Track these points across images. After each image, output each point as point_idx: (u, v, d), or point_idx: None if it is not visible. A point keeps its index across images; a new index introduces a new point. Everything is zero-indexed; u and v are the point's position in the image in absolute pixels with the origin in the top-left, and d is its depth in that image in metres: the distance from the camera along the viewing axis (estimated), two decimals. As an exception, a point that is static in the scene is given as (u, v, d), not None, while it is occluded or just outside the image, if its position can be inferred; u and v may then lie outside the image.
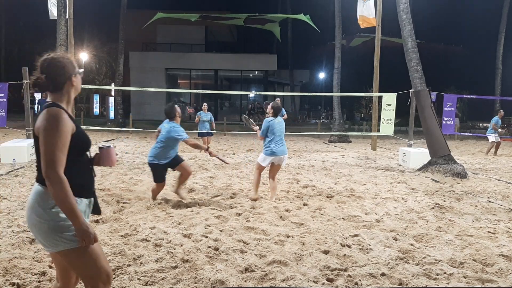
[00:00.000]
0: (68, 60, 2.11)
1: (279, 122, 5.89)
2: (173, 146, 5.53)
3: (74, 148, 2.02)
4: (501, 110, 13.55)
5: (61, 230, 1.98)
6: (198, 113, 11.77)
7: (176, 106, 5.72)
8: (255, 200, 5.80)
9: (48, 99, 2.10)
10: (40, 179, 2.01)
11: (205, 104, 11.87)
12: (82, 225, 1.94)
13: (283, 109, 11.84)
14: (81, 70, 2.20)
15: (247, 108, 31.78)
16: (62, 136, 1.94)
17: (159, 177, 5.50)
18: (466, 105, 31.17)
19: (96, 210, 2.23)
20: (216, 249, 3.78)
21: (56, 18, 11.94)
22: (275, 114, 5.88)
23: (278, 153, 5.80)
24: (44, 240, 2.01)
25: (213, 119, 11.78)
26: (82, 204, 2.07)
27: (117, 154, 2.72)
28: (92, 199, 2.17)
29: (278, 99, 11.98)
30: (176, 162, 5.58)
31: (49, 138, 1.91)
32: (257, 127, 6.17)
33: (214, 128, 11.92)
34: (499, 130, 13.02)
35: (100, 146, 2.26)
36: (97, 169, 7.38)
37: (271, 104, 6.01)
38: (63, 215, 1.97)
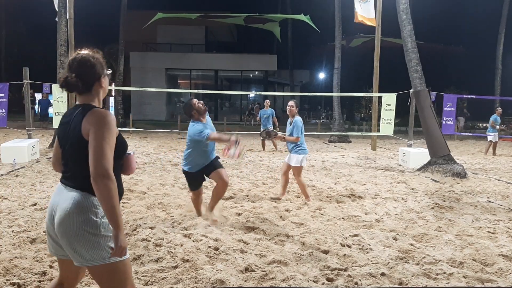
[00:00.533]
0: (98, 60, 2.04)
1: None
2: (200, 149, 4.60)
3: (116, 152, 1.96)
4: (499, 108, 13.46)
5: (105, 242, 1.89)
6: None
7: (193, 100, 4.72)
8: (309, 200, 5.80)
9: (78, 101, 2.03)
10: (81, 186, 1.91)
11: (267, 100, 12.13)
12: (122, 232, 1.85)
13: (273, 111, 11.95)
14: (109, 71, 2.15)
15: (247, 108, 31.78)
16: (113, 135, 1.90)
17: (191, 185, 4.79)
18: (460, 105, 31.16)
19: None
20: (216, 249, 3.78)
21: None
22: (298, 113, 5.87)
23: (307, 152, 5.90)
24: (81, 250, 1.88)
25: (274, 113, 12.03)
26: None
27: (136, 162, 2.68)
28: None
29: (267, 100, 12.03)
30: (210, 169, 4.66)
31: (101, 137, 1.85)
32: (281, 135, 5.94)
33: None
34: (498, 127, 12.95)
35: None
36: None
37: (293, 102, 5.88)
38: (107, 226, 1.89)
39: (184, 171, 4.76)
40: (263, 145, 12.25)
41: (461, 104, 25.15)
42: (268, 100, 12.00)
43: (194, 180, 4.75)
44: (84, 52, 2.04)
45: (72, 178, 1.95)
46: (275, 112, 12.42)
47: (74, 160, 1.95)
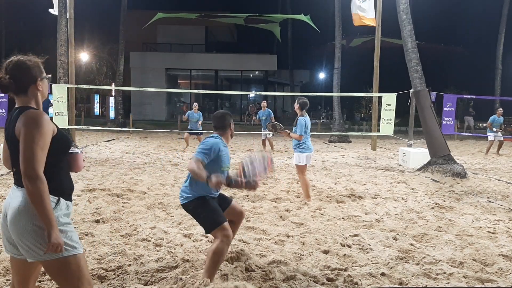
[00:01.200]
0: (34, 64, 2.08)
1: (309, 119, 5.91)
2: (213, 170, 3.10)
3: (55, 150, 2.01)
4: (499, 109, 13.37)
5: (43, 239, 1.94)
6: (187, 113, 12.18)
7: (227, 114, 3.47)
8: (309, 200, 5.81)
9: (17, 104, 2.08)
10: (21, 183, 1.96)
11: (195, 104, 12.24)
12: (56, 230, 1.90)
13: (271, 112, 11.91)
14: (49, 75, 2.18)
15: (247, 108, 31.79)
16: (44, 136, 1.93)
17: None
18: (466, 105, 31.15)
19: None
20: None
21: (55, 14, 11.95)
22: (302, 111, 5.80)
23: (312, 149, 5.87)
24: (33, 245, 1.94)
25: (201, 118, 12.20)
26: (62, 204, 2.04)
27: (84, 160, 2.74)
28: (71, 203, 2.14)
29: (264, 102, 12.07)
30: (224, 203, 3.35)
31: (30, 138, 1.89)
32: (286, 130, 5.76)
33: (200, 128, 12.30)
34: (494, 129, 12.85)
35: (70, 151, 2.22)
36: (97, 169, 7.34)
37: (297, 100, 5.88)
38: (60, 220, 1.97)
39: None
40: (264, 145, 12.27)
41: (468, 104, 25.15)
42: (265, 101, 12.05)
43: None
44: (21, 56, 2.10)
45: (18, 177, 2.01)
46: (273, 113, 12.42)
47: (15, 160, 2.00)
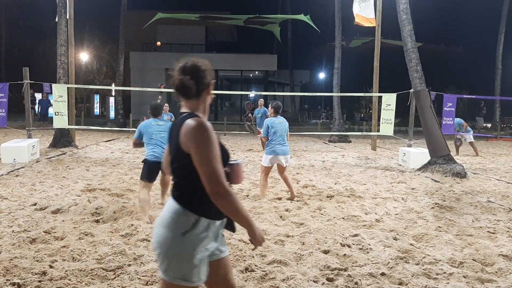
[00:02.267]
0: (208, 68, 2.00)
1: (280, 122, 5.90)
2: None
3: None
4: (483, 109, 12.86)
5: (180, 260, 1.81)
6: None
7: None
8: (260, 198, 5.88)
9: (184, 109, 1.95)
10: (180, 199, 1.86)
11: (166, 104, 12.24)
12: (257, 230, 1.90)
13: (267, 110, 11.91)
14: (214, 80, 2.07)
15: (247, 108, 31.78)
16: (216, 147, 1.80)
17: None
18: (466, 105, 31.16)
19: (230, 227, 2.03)
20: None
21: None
22: (275, 113, 5.92)
23: (279, 153, 5.81)
24: (162, 259, 1.84)
25: (173, 117, 12.26)
26: (201, 225, 1.84)
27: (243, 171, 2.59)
28: (218, 222, 1.94)
29: (261, 100, 12.09)
30: None
31: (206, 151, 1.76)
32: (261, 131, 6.11)
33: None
34: (459, 132, 12.65)
35: (230, 162, 2.07)
36: (97, 169, 7.36)
37: (271, 104, 6.05)
38: (189, 246, 1.81)
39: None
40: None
41: (479, 105, 25.12)
42: (262, 100, 12.15)
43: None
44: (194, 59, 2.02)
45: (175, 187, 1.93)
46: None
47: (175, 170, 1.92)
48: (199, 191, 1.81)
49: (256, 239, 1.91)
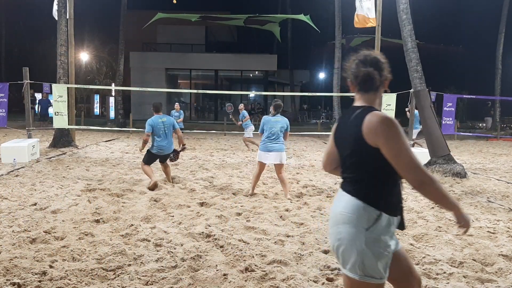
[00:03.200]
0: (385, 59, 1.95)
1: (277, 121, 5.96)
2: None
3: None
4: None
5: (367, 256, 1.76)
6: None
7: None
8: (251, 195, 6.06)
9: (358, 103, 1.92)
10: (360, 194, 1.82)
11: (177, 104, 13.23)
12: (464, 212, 1.84)
13: (245, 112, 12.54)
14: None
15: (247, 108, 31.80)
16: (406, 138, 1.78)
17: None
18: (466, 105, 31.17)
19: (401, 225, 1.94)
20: (216, 248, 3.78)
21: (57, 19, 11.97)
22: (274, 111, 6.03)
23: (269, 149, 5.92)
24: (347, 257, 1.80)
25: (182, 115, 13.25)
26: (383, 220, 1.80)
27: None
28: (396, 219, 1.88)
29: (242, 104, 13.15)
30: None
31: (400, 143, 1.74)
32: (240, 122, 6.46)
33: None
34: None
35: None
36: (97, 169, 7.36)
37: (273, 102, 6.21)
38: (379, 243, 1.77)
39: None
40: (245, 142, 12.68)
41: (487, 106, 25.11)
42: (242, 104, 13.20)
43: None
44: (369, 51, 1.97)
45: (351, 183, 1.89)
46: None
47: (353, 165, 1.88)
48: (380, 186, 1.81)
49: (464, 221, 1.84)
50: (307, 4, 29.52)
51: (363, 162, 1.84)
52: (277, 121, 5.95)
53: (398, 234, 4.33)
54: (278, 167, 6.06)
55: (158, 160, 6.83)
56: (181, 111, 13.47)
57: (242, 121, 12.42)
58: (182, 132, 13.51)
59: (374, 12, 13.65)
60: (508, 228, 4.73)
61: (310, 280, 3.18)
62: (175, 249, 3.74)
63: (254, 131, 11.99)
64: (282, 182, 6.13)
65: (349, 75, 1.96)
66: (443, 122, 11.79)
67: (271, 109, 6.11)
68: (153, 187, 6.29)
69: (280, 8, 33.98)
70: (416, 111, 12.78)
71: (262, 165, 6.10)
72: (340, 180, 1.99)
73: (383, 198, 1.81)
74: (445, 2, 35.35)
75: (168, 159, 6.90)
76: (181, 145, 7.01)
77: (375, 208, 1.79)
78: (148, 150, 6.66)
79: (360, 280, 1.78)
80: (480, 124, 27.45)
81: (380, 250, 1.78)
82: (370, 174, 1.83)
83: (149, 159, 6.64)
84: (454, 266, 3.52)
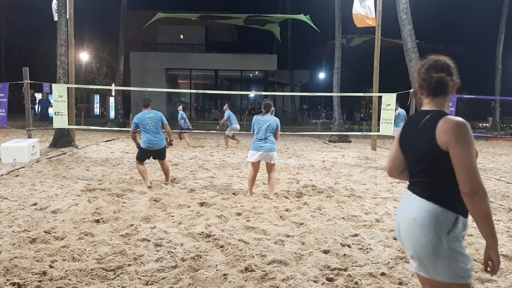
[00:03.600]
0: (455, 66, 1.98)
1: (266, 120, 5.99)
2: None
3: None
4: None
5: (453, 259, 1.79)
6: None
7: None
8: (250, 195, 6.07)
9: (428, 107, 1.94)
10: (436, 198, 1.83)
11: (180, 106, 13.69)
12: (497, 249, 1.82)
13: (230, 113, 13.16)
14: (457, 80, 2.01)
15: (247, 108, 31.81)
16: (474, 147, 1.79)
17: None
18: (466, 105, 31.17)
19: None
20: (216, 248, 3.78)
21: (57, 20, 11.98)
22: (264, 111, 6.11)
23: (258, 149, 5.97)
24: (431, 262, 1.81)
25: (184, 116, 13.57)
26: (460, 223, 1.83)
27: None
28: (467, 221, 1.91)
29: (226, 105, 13.64)
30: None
31: (469, 149, 1.75)
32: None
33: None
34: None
35: None
36: (97, 169, 7.38)
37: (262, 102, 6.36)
38: (460, 244, 1.81)
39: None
40: (228, 140, 13.27)
41: (490, 105, 25.09)
42: (226, 105, 13.78)
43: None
44: (438, 56, 2.00)
45: (425, 187, 1.88)
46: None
47: (426, 169, 1.88)
48: (456, 190, 1.80)
49: (496, 261, 1.82)
50: (307, 4, 29.54)
51: (436, 166, 1.85)
52: (266, 121, 5.99)
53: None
54: (268, 167, 6.11)
55: (155, 159, 6.86)
56: (183, 112, 13.84)
57: (225, 120, 13.17)
58: (189, 131, 13.77)
59: (374, 12, 13.66)
60: (508, 228, 4.73)
61: (310, 280, 3.18)
62: (175, 249, 3.74)
63: (239, 130, 13.09)
64: (269, 181, 6.15)
65: (418, 80, 1.98)
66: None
67: (262, 108, 6.19)
68: (148, 188, 6.39)
69: (280, 8, 33.99)
70: (402, 110, 12.91)
71: (255, 166, 6.11)
72: (407, 183, 2.00)
73: (460, 201, 1.81)
74: (445, 2, 35.36)
75: (162, 158, 6.84)
76: (168, 141, 7.03)
77: (452, 212, 1.81)
78: (139, 146, 6.74)
79: (450, 282, 1.81)
80: (483, 124, 27.45)
81: (462, 251, 1.82)
82: (444, 178, 1.84)
83: (141, 155, 6.68)
84: (454, 266, 3.52)
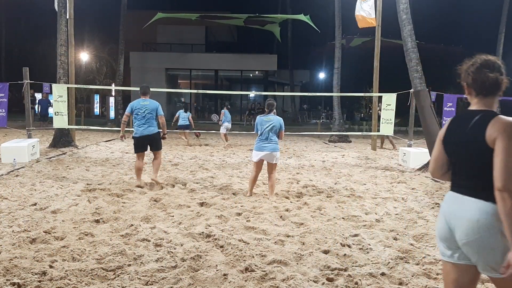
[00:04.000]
0: (503, 66, 1.99)
1: (268, 120, 5.97)
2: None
3: None
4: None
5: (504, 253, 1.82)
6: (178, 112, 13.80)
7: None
8: (250, 195, 6.06)
9: (476, 107, 1.95)
10: (486, 196, 1.85)
11: (183, 109, 13.97)
12: None
13: (226, 112, 13.41)
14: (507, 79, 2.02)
15: (247, 108, 31.81)
16: None
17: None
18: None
19: None
20: (216, 248, 3.78)
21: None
22: (267, 111, 6.07)
23: (261, 149, 5.95)
24: (498, 263, 1.83)
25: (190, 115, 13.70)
26: None
27: None
28: None
29: (223, 111, 13.75)
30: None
31: (510, 150, 1.77)
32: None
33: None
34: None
35: None
36: (97, 169, 7.39)
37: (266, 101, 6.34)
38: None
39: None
40: (225, 138, 13.44)
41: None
42: (225, 107, 13.93)
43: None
44: (488, 56, 1.99)
45: (479, 188, 1.89)
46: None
47: (478, 170, 1.90)
48: None
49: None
50: (307, 4, 29.52)
51: (489, 166, 1.84)
52: (268, 121, 5.97)
53: (397, 233, 4.34)
54: (269, 167, 6.09)
55: (151, 150, 6.70)
56: (189, 113, 14.19)
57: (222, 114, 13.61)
58: (192, 131, 13.85)
59: (374, 12, 13.65)
60: (508, 228, 4.73)
61: (310, 280, 3.18)
62: (175, 249, 3.74)
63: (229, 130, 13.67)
64: (269, 181, 6.13)
65: (466, 79, 1.97)
66: (443, 122, 11.79)
67: (266, 109, 6.17)
68: (137, 187, 6.42)
69: (280, 8, 33.97)
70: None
71: (257, 166, 6.09)
72: (451, 184, 2.00)
73: None
74: (445, 2, 35.35)
75: (156, 149, 6.69)
76: (162, 134, 6.88)
77: None
78: (132, 137, 6.70)
79: None
80: None
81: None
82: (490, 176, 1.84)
83: (136, 145, 6.65)
84: (454, 266, 3.52)
